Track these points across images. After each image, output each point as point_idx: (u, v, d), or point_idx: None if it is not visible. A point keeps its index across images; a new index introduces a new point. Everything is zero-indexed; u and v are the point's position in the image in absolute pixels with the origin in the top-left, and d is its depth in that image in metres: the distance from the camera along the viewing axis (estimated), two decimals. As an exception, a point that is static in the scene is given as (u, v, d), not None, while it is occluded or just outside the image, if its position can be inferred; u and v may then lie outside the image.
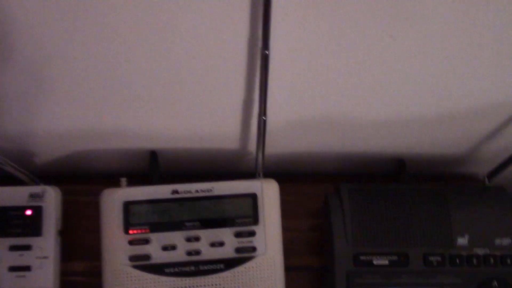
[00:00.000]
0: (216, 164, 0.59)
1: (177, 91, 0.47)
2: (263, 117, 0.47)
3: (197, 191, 0.52)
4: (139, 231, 0.51)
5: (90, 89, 0.46)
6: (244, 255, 0.51)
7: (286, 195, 0.59)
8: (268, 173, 0.55)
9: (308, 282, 0.56)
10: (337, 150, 0.58)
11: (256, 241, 0.52)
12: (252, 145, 0.55)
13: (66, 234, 0.54)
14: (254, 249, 0.51)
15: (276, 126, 0.52)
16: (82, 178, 0.59)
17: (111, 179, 0.53)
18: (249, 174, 0.55)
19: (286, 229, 0.57)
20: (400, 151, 0.59)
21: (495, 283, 0.51)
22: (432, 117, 0.51)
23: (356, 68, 0.45)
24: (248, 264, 0.51)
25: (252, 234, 0.52)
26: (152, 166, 0.56)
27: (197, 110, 0.49)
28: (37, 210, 0.52)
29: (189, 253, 0.51)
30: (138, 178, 0.54)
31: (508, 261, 0.52)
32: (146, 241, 0.51)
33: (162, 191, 0.52)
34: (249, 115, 0.50)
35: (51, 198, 0.52)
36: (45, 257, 0.51)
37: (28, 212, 0.52)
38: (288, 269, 0.56)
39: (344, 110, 0.50)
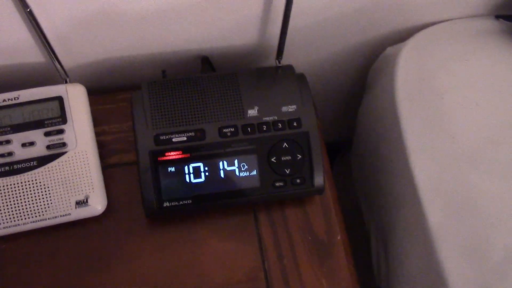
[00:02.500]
0: (29, 82, 0.63)
1: None
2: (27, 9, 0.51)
3: (4, 100, 0.57)
4: (-49, 142, 0.55)
5: None
6: (55, 151, 0.56)
7: (108, 104, 0.65)
8: (90, 87, 0.60)
9: (131, 174, 0.61)
10: (143, 52, 0.64)
11: (66, 138, 0.57)
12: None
13: None
14: (64, 144, 0.56)
15: (59, 30, 0.57)
16: None
17: None
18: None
19: (108, 133, 0.64)
20: (203, 48, 0.65)
21: (284, 144, 0.58)
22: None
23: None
24: (60, 159, 0.56)
25: (61, 132, 0.57)
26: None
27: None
28: None
29: (1, 155, 0.55)
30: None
31: (294, 123, 0.59)
32: (-41, 149, 0.55)
33: (-30, 103, 0.56)
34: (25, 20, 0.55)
35: None
36: None
37: None
38: (113, 166, 0.62)
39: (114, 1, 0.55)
